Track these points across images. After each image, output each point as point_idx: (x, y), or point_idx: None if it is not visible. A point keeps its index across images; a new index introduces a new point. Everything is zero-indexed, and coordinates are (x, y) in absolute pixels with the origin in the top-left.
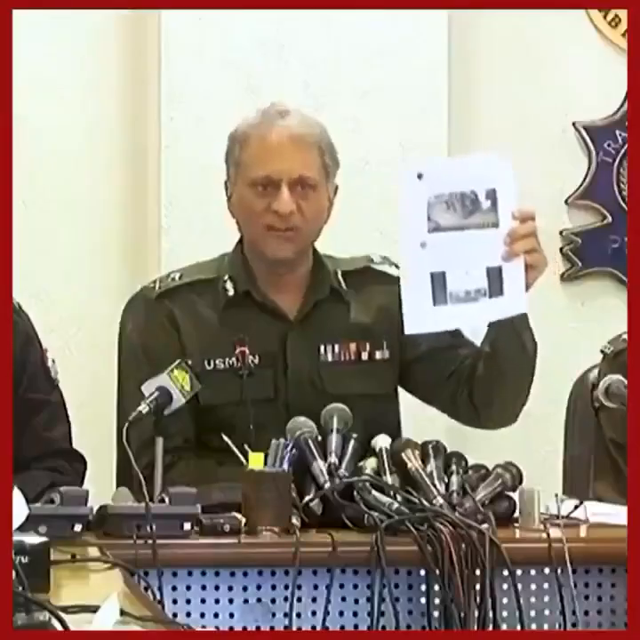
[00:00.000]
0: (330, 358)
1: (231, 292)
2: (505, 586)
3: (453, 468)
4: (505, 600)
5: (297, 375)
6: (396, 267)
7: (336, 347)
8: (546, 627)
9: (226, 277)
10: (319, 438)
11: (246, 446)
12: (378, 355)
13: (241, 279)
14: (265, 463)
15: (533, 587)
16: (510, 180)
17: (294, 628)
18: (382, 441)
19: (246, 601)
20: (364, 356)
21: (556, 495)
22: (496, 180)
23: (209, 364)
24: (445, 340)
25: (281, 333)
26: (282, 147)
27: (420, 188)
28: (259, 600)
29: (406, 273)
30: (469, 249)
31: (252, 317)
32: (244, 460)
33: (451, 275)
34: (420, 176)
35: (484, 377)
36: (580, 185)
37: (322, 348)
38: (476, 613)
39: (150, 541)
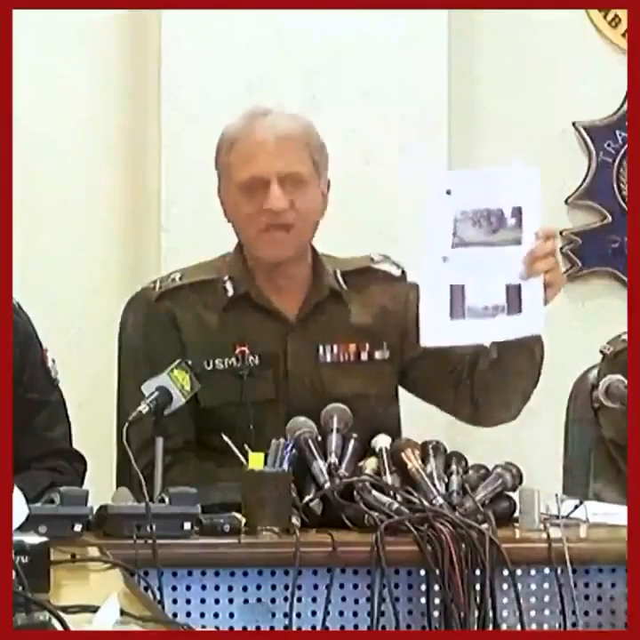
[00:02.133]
0: (329, 359)
1: (231, 293)
2: (505, 586)
3: (453, 467)
4: (505, 600)
5: (297, 377)
6: (397, 266)
7: (335, 347)
8: (546, 627)
9: (226, 278)
10: (319, 438)
11: (246, 446)
12: (377, 355)
13: (241, 280)
14: (265, 463)
15: (533, 587)
16: (537, 197)
17: (294, 628)
18: (382, 441)
19: (246, 601)
20: (364, 356)
21: (556, 495)
22: (523, 197)
23: (208, 365)
24: None
25: (281, 335)
26: (267, 145)
27: (448, 204)
28: (259, 600)
29: (426, 285)
30: (490, 265)
31: (252, 319)
32: (244, 460)
33: (470, 289)
34: (448, 192)
35: (486, 374)
36: (580, 185)
37: (321, 348)
38: (476, 613)
39: (150, 541)
